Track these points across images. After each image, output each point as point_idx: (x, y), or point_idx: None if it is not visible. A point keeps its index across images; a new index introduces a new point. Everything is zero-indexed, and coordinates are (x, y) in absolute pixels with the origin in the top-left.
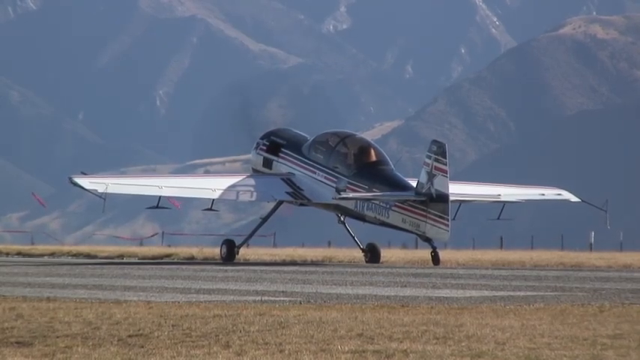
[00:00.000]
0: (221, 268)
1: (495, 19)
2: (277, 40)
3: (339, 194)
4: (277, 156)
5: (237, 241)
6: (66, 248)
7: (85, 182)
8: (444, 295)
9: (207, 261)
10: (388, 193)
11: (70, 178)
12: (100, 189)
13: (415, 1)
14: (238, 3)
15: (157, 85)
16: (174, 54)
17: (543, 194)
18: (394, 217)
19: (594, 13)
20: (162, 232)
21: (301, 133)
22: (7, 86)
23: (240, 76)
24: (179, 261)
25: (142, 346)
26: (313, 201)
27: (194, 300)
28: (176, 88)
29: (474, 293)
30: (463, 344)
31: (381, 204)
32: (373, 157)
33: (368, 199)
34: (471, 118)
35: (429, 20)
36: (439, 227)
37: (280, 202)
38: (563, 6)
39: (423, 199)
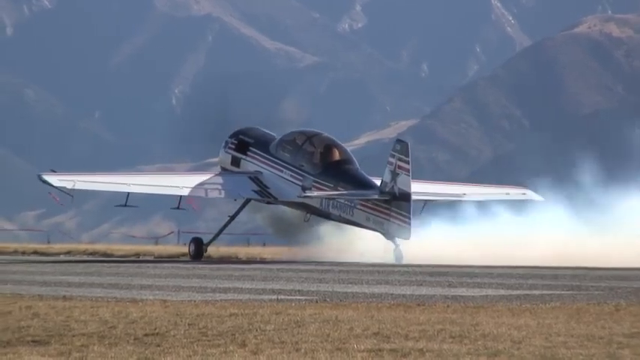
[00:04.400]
0: (237, 266)
1: (511, 18)
2: (293, 39)
3: (304, 192)
4: (245, 154)
5: (206, 239)
6: (82, 247)
7: (53, 180)
8: (460, 294)
9: (223, 260)
10: (352, 191)
11: (39, 176)
12: (69, 186)
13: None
14: (254, 1)
15: (172, 84)
16: (190, 52)
17: (508, 193)
18: (358, 216)
19: (609, 11)
20: (178, 231)
21: (269, 132)
22: (22, 85)
23: (255, 75)
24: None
25: (158, 345)
26: (279, 199)
27: (210, 299)
28: (192, 86)
29: (490, 292)
30: (479, 343)
31: (346, 202)
32: (338, 156)
33: (332, 198)
34: (487, 116)
35: (445, 19)
36: (402, 225)
37: (248, 200)
38: (578, 4)
39: (387, 197)
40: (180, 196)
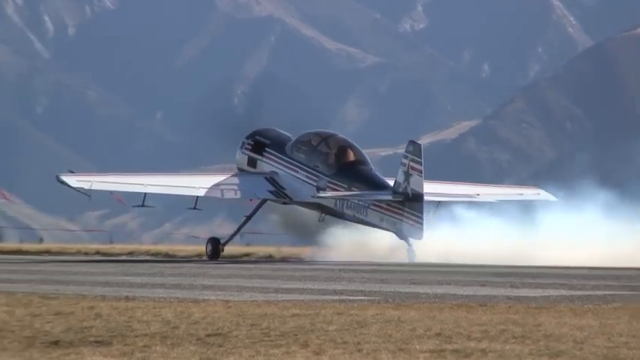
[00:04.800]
0: (298, 267)
1: (572, 19)
2: (354, 40)
3: (318, 193)
4: (261, 155)
5: (223, 239)
6: (144, 247)
7: (71, 180)
8: (523, 295)
9: (285, 260)
10: (366, 192)
11: (58, 177)
12: (86, 186)
13: (492, 0)
14: (315, 2)
15: (234, 85)
16: (251, 53)
17: (522, 194)
18: (372, 216)
19: None
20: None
21: (285, 133)
22: (84, 86)
23: (317, 76)
24: (257, 260)
25: (221, 346)
26: (294, 199)
27: (272, 299)
28: (254, 87)
29: (552, 292)
30: (541, 343)
31: (360, 203)
32: (353, 157)
33: (345, 199)
34: (548, 117)
35: (506, 19)
36: (415, 226)
37: (264, 201)
38: None
39: (400, 198)
40: (197, 197)
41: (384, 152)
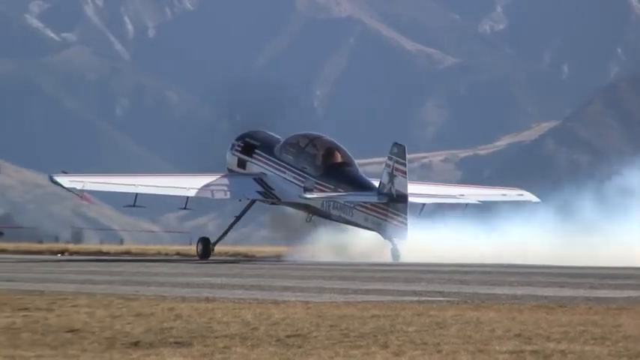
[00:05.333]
0: (379, 268)
1: None
2: (434, 40)
3: (304, 194)
4: (251, 157)
5: (213, 238)
6: (224, 248)
7: (64, 181)
8: (602, 296)
9: (364, 261)
10: (351, 193)
11: (51, 177)
12: (78, 187)
13: (571, 1)
14: (395, 3)
15: (314, 86)
16: (331, 54)
17: (505, 194)
18: (357, 216)
19: None
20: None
21: (275, 135)
22: (164, 87)
23: (396, 77)
24: (336, 261)
25: (300, 347)
26: (282, 200)
27: (352, 300)
28: (333, 88)
29: (632, 293)
30: (621, 345)
31: (346, 203)
32: (339, 159)
33: (332, 200)
34: (628, 118)
35: (585, 20)
36: (399, 226)
37: (253, 201)
38: None
39: (385, 200)
40: (187, 197)
41: (463, 154)
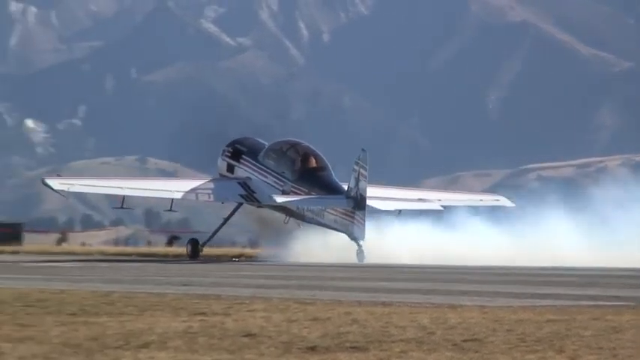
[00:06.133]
0: (554, 272)
1: None
2: (607, 45)
3: (273, 197)
4: (238, 162)
5: (202, 239)
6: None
7: (54, 183)
8: None
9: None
10: (322, 196)
11: (43, 180)
12: (66, 189)
13: None
14: (569, 7)
15: (488, 90)
16: (505, 58)
17: (482, 200)
18: (328, 218)
19: None
20: None
21: (262, 141)
22: (339, 91)
23: (570, 81)
24: (513, 266)
25: (477, 351)
26: (263, 203)
27: (528, 305)
28: (508, 92)
29: None
30: None
31: (307, 211)
32: (314, 164)
33: (296, 203)
34: None
35: None
36: (359, 227)
37: (240, 204)
38: None
39: (352, 204)
40: (172, 199)
41: (639, 157)
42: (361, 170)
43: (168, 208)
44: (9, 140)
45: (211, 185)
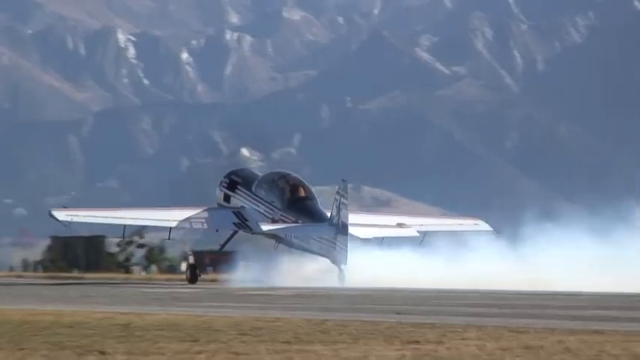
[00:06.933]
0: None
1: None
2: None
3: (258, 225)
4: (234, 192)
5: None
6: None
7: (60, 214)
8: None
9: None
10: (308, 224)
11: (49, 212)
12: (69, 219)
13: None
14: None
15: None
16: None
17: (461, 224)
18: (313, 245)
19: None
20: None
21: (256, 172)
22: (554, 120)
23: None
24: None
25: None
26: (255, 230)
27: None
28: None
29: None
30: None
31: (294, 238)
32: (302, 194)
33: (281, 231)
34: None
35: None
36: (341, 253)
37: (235, 232)
38: None
39: (334, 232)
40: (170, 228)
41: None
42: (342, 199)
43: (167, 238)
44: (225, 169)
45: (206, 215)
